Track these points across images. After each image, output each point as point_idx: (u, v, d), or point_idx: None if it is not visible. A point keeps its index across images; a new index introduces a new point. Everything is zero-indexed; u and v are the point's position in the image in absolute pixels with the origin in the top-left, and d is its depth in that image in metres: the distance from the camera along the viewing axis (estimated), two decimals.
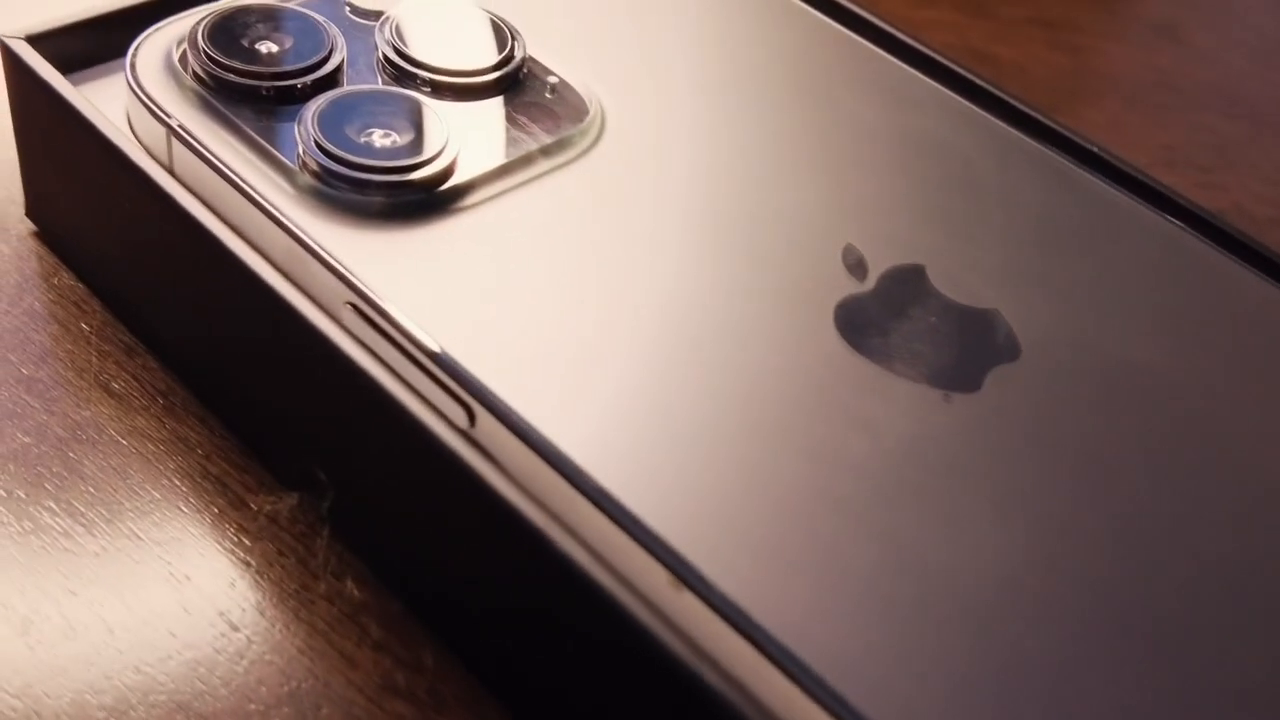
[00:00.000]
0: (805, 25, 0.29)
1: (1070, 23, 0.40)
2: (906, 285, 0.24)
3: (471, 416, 0.21)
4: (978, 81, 0.28)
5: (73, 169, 0.26)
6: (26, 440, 0.24)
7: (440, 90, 0.25)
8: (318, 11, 0.26)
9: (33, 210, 0.28)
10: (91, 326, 0.26)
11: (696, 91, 0.27)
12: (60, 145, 0.26)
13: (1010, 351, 0.23)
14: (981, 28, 0.39)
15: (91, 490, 0.23)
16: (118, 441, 0.24)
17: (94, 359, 0.25)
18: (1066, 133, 0.27)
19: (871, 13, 0.30)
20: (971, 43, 0.39)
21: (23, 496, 0.23)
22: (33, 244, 0.27)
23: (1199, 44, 0.41)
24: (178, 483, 0.24)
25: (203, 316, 0.24)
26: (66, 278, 0.27)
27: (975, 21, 0.39)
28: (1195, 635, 0.19)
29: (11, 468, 0.24)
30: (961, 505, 0.20)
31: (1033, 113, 0.28)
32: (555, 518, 0.20)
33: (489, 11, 0.27)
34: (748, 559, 0.19)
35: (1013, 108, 0.28)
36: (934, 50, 0.29)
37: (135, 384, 0.25)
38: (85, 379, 0.25)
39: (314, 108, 0.24)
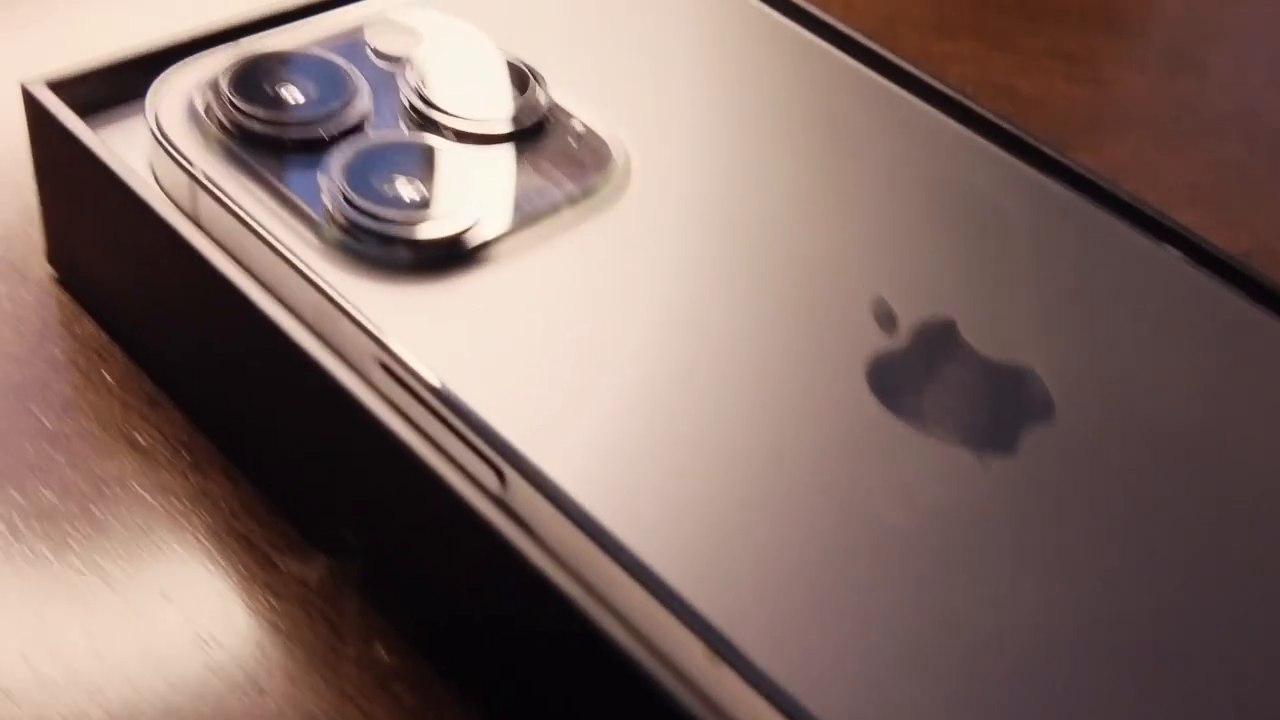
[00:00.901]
0: (829, 66, 0.29)
1: (1089, 54, 0.40)
2: (937, 339, 0.23)
3: (502, 479, 0.21)
4: (1002, 124, 0.28)
5: (95, 216, 0.26)
6: (50, 496, 0.24)
7: (465, 137, 0.25)
8: (341, 55, 0.26)
9: (54, 255, 0.27)
10: (114, 376, 0.26)
11: (719, 133, 0.27)
12: (82, 192, 0.25)
13: (1044, 410, 0.23)
14: (1001, 61, 0.39)
15: (117, 548, 0.23)
16: (143, 498, 0.24)
17: (117, 410, 0.25)
18: (1093, 177, 0.27)
19: (893, 52, 0.30)
20: (991, 76, 0.38)
21: (48, 554, 0.23)
22: (53, 290, 0.27)
23: (1218, 72, 0.41)
24: (204, 540, 0.23)
25: (227, 370, 0.24)
26: (88, 325, 0.27)
27: (995, 54, 0.39)
28: (1243, 707, 0.19)
29: (36, 525, 0.23)
30: (1000, 572, 0.20)
31: (1059, 157, 0.27)
32: (587, 585, 0.20)
33: (510, 55, 0.27)
34: (783, 629, 0.19)
35: (1039, 151, 0.28)
36: (958, 91, 0.29)
37: (160, 437, 0.25)
38: (109, 431, 0.25)
39: (339, 158, 0.24)
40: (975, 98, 0.28)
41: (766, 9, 0.31)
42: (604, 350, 0.22)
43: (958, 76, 0.38)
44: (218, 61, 0.25)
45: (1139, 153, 0.37)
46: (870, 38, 0.30)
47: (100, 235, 0.26)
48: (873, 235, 0.25)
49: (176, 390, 0.25)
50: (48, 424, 0.25)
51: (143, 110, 0.26)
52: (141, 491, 0.24)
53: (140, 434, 0.25)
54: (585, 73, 0.27)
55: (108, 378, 0.26)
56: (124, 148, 0.25)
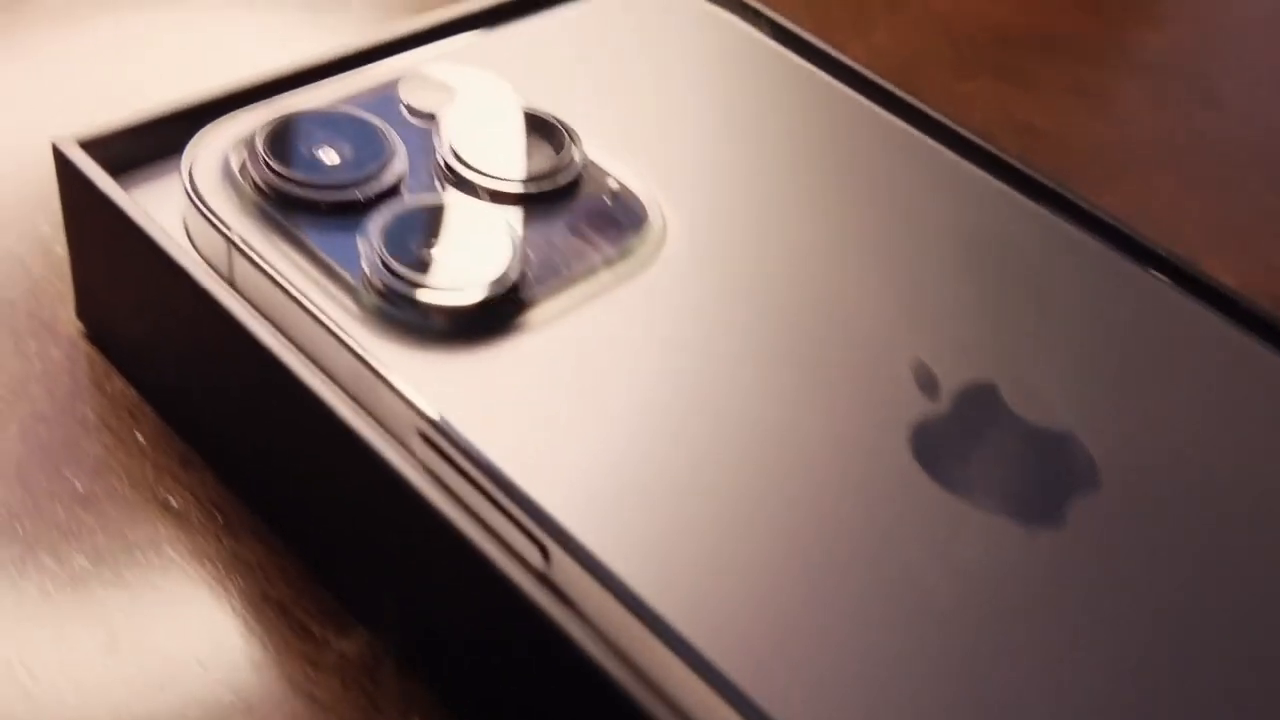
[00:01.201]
0: (859, 116, 0.29)
1: (1108, 90, 0.40)
2: (979, 404, 0.23)
3: (546, 555, 0.20)
4: (1032, 174, 0.28)
5: (126, 274, 0.25)
6: (83, 561, 0.24)
7: (501, 197, 0.25)
8: (375, 113, 0.26)
9: (83, 311, 0.27)
10: (146, 436, 0.26)
11: (752, 188, 0.27)
12: (114, 250, 0.25)
13: (1089, 478, 0.22)
14: (1023, 99, 0.39)
15: (151, 616, 0.23)
16: (177, 563, 0.24)
17: (149, 472, 0.25)
18: (1127, 230, 0.27)
19: (915, 93, 0.29)
20: (1013, 115, 0.38)
21: (81, 622, 0.23)
22: (83, 346, 0.27)
23: (1237, 106, 0.41)
24: (239, 608, 0.23)
25: (262, 434, 0.24)
26: (119, 383, 0.26)
27: (1016, 92, 0.39)
28: None
29: (69, 590, 0.23)
30: (1047, 645, 0.20)
31: (1095, 210, 0.27)
32: (633, 666, 0.19)
33: (543, 110, 0.26)
34: (829, 707, 0.19)
35: (1073, 203, 0.27)
36: (989, 142, 0.28)
37: (193, 499, 0.25)
38: (141, 494, 0.25)
39: (376, 222, 0.23)
40: (1009, 150, 0.28)
41: (794, 56, 0.30)
42: (645, 418, 0.22)
43: (980, 117, 0.38)
44: (252, 121, 0.25)
45: (1162, 192, 0.37)
46: (893, 79, 0.30)
47: (132, 293, 0.25)
48: (910, 294, 0.25)
49: (209, 451, 0.25)
50: (79, 486, 0.25)
51: (175, 167, 0.26)
52: (175, 556, 0.24)
53: (173, 496, 0.25)
54: (616, 125, 0.27)
55: (139, 438, 0.25)
56: (156, 206, 0.25)
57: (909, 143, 0.28)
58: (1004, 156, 0.28)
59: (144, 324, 0.26)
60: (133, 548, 0.24)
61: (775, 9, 0.32)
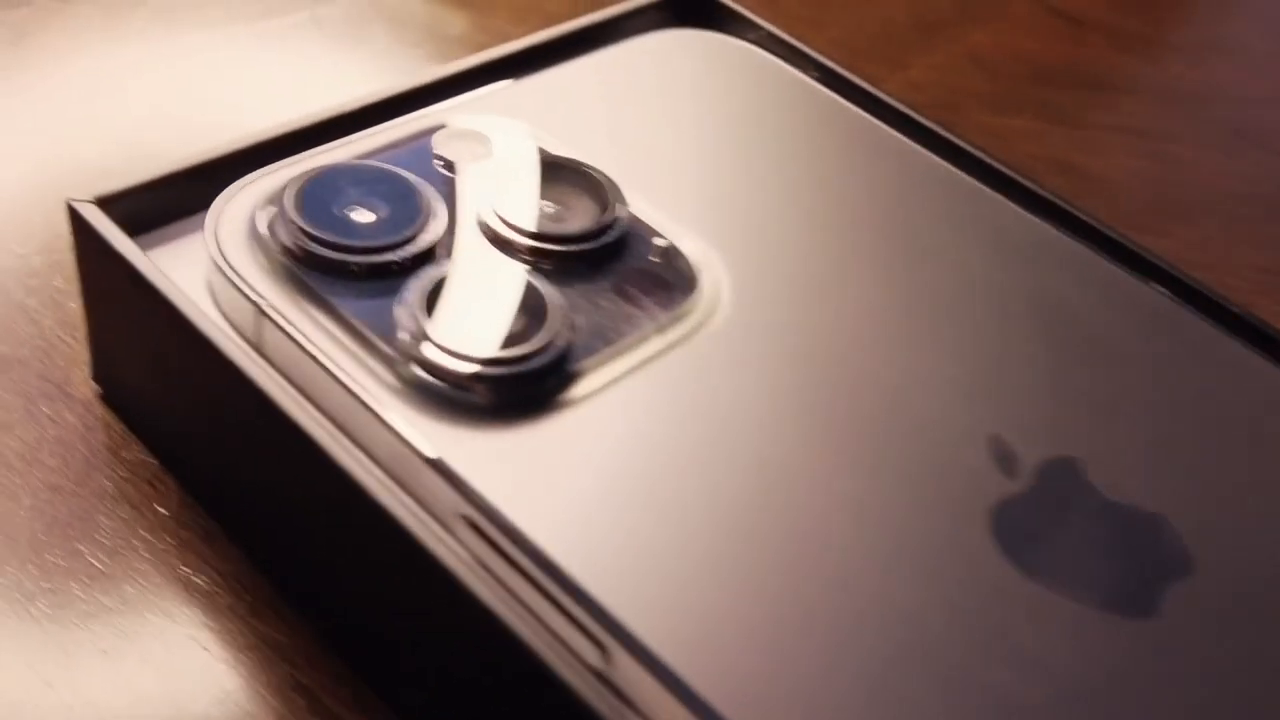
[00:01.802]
0: (911, 163, 0.28)
1: (1153, 129, 0.39)
2: (1061, 482, 0.22)
3: (604, 653, 0.19)
4: (1096, 225, 0.27)
5: (147, 339, 0.24)
6: (103, 647, 0.22)
7: (544, 257, 0.24)
8: (408, 168, 0.24)
9: (99, 373, 0.26)
10: (168, 509, 0.24)
11: (805, 242, 0.25)
12: (133, 314, 0.24)
13: (1180, 562, 0.21)
14: (1065, 136, 0.38)
15: (178, 705, 0.22)
16: (203, 648, 0.22)
17: (172, 548, 0.24)
18: (1199, 287, 0.26)
19: (955, 129, 0.28)
20: (1055, 152, 0.37)
21: (102, 715, 0.21)
22: (99, 410, 0.26)
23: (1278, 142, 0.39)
24: (269, 696, 0.22)
25: (293, 513, 0.23)
26: (137, 451, 0.25)
27: (1058, 129, 0.38)
28: None
29: (88, 681, 0.22)
30: None
31: (1165, 265, 0.26)
32: None
33: (584, 163, 0.25)
34: None
35: (1142, 258, 0.26)
36: (1048, 190, 0.27)
37: (218, 578, 0.23)
38: (163, 573, 0.23)
39: (415, 289, 0.22)
40: (1068, 198, 0.27)
41: (838, 98, 0.29)
42: (703, 499, 0.21)
43: (1023, 154, 0.36)
44: (279, 178, 0.24)
45: (1210, 235, 0.35)
46: (931, 116, 0.29)
47: (153, 359, 0.24)
48: (977, 360, 0.24)
49: (235, 526, 0.24)
50: (98, 565, 0.23)
51: (195, 225, 0.24)
52: (200, 640, 0.22)
53: (198, 575, 0.23)
54: (659, 176, 0.26)
55: (161, 511, 0.24)
56: (178, 267, 0.23)
57: (967, 193, 0.27)
58: (1064, 204, 0.27)
59: (165, 391, 0.24)
60: (155, 630, 0.22)
61: (812, 47, 0.30)
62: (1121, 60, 0.42)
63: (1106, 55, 0.42)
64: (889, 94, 0.29)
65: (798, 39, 0.30)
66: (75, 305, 0.27)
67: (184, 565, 0.23)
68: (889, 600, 0.20)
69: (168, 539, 0.24)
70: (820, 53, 0.30)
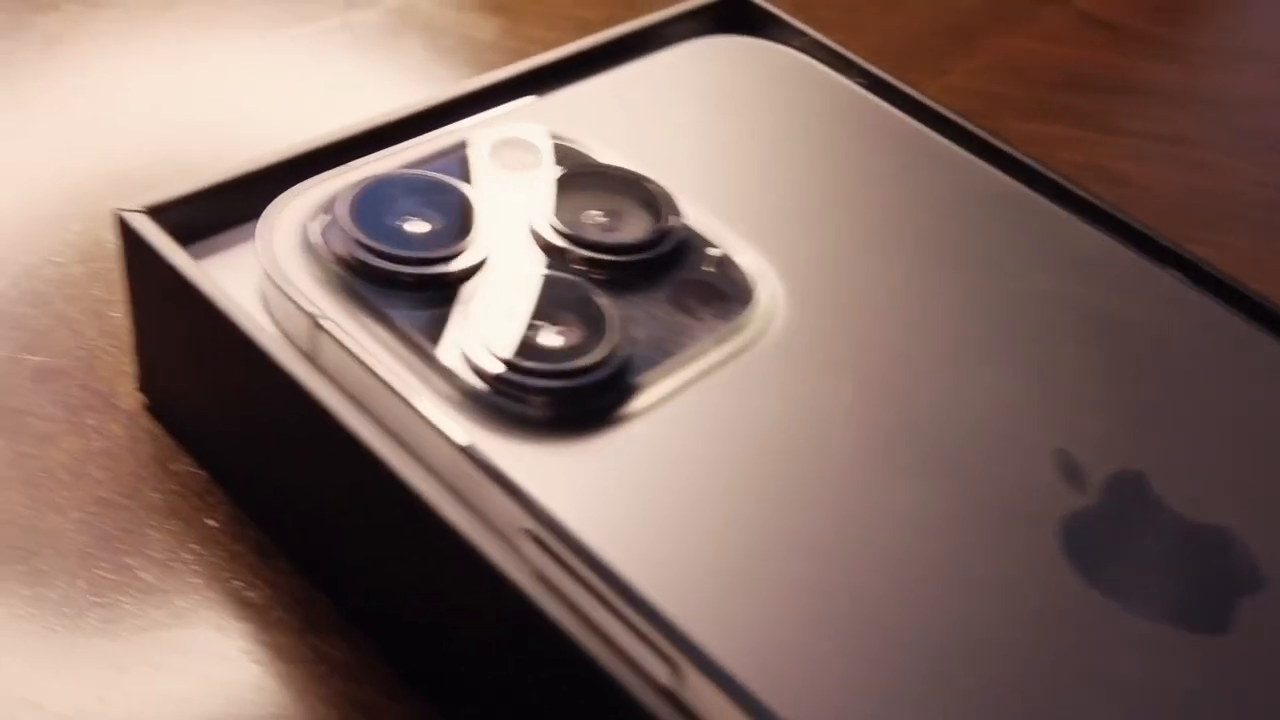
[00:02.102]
0: (967, 173, 0.27)
1: (1192, 138, 0.38)
2: (1129, 497, 0.22)
3: (676, 672, 0.19)
4: (1156, 239, 0.26)
5: (198, 350, 0.24)
6: (157, 664, 0.22)
7: (599, 267, 0.23)
8: (458, 177, 0.24)
9: (145, 384, 0.26)
10: (218, 522, 0.24)
11: (860, 248, 0.25)
12: (183, 324, 0.24)
13: (1249, 576, 0.21)
14: (1106, 144, 0.37)
15: (234, 718, 0.21)
16: (257, 663, 0.22)
17: (224, 562, 0.23)
18: (1258, 299, 0.25)
19: (1022, 151, 0.28)
20: (1098, 160, 0.37)
21: None
22: (146, 422, 0.25)
23: None
24: (325, 711, 0.21)
25: (348, 526, 0.22)
26: (185, 463, 0.25)
27: (1099, 137, 0.38)
28: None
29: (140, 697, 0.21)
30: None
31: (1219, 275, 0.26)
32: None
33: (637, 173, 0.25)
34: None
35: (1200, 269, 0.26)
36: (1105, 202, 0.27)
37: (271, 592, 0.23)
38: (215, 587, 0.23)
39: (471, 300, 0.22)
40: (1128, 211, 0.27)
41: (887, 105, 0.29)
42: (768, 512, 0.21)
43: (1061, 161, 0.36)
44: (331, 187, 0.23)
45: (1247, 243, 0.35)
46: (972, 119, 0.28)
47: (203, 370, 0.24)
48: (1040, 371, 0.23)
49: (287, 539, 0.24)
50: (149, 579, 0.23)
51: (242, 234, 0.24)
52: (256, 657, 0.22)
53: (251, 589, 0.23)
54: (711, 184, 0.26)
55: (211, 524, 0.24)
56: (228, 278, 0.23)
57: (1020, 201, 0.27)
58: (1119, 214, 0.27)
59: (216, 402, 0.24)
60: (207, 646, 0.22)
61: (834, 43, 0.30)
62: (1154, 66, 0.42)
63: (1139, 61, 0.42)
64: (933, 100, 0.29)
65: (824, 37, 0.30)
66: (117, 315, 0.27)
67: (235, 579, 0.23)
68: (956, 616, 0.20)
69: (219, 552, 0.23)
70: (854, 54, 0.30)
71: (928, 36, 0.41)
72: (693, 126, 0.27)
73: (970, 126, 0.28)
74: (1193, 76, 0.41)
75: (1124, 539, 0.21)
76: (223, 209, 0.24)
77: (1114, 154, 0.37)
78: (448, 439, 0.21)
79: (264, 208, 0.24)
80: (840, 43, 0.30)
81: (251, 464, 0.24)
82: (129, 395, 0.26)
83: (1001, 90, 0.39)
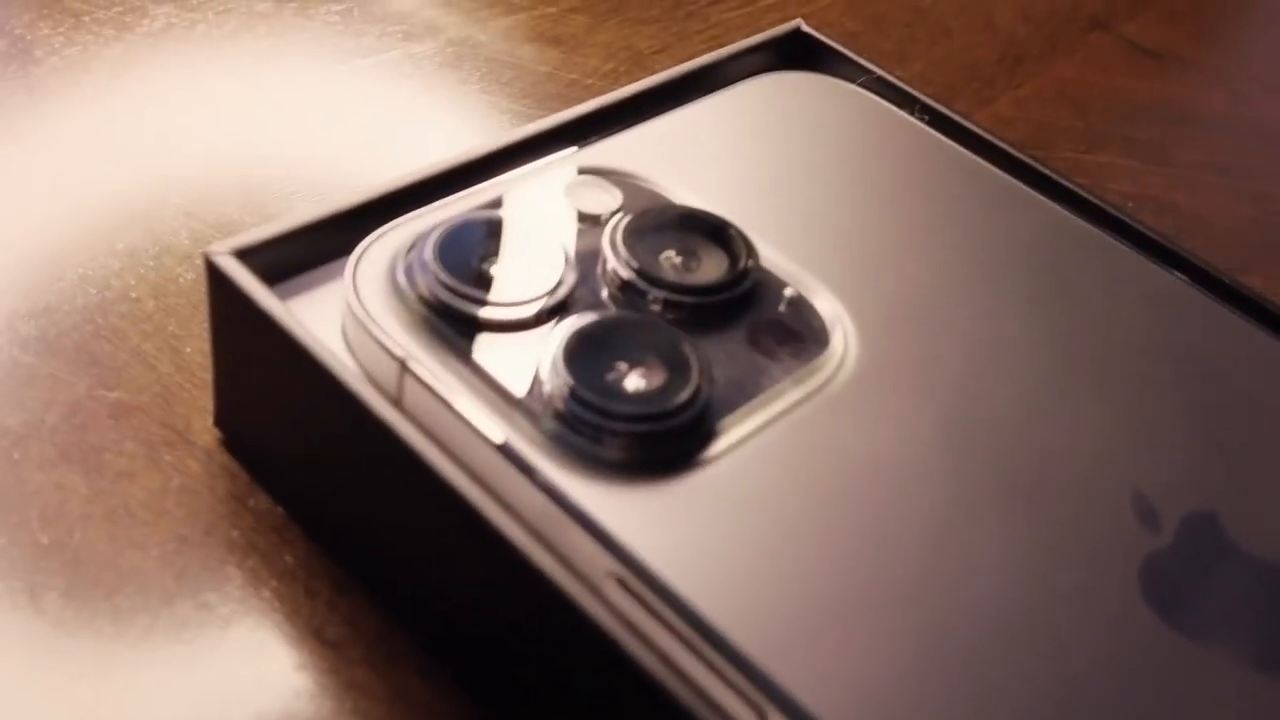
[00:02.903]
0: (1037, 212, 0.28)
1: (1246, 168, 0.38)
2: (1205, 538, 0.22)
3: (762, 717, 0.19)
4: (1221, 278, 0.27)
5: (279, 388, 0.24)
6: (241, 701, 0.22)
7: (676, 308, 0.23)
8: (539, 218, 0.24)
9: (222, 420, 0.26)
10: (296, 559, 0.24)
11: (932, 288, 0.25)
12: (267, 364, 0.24)
13: None
14: (1157, 174, 0.37)
15: None
16: (339, 704, 0.22)
17: (303, 599, 0.24)
18: None
19: (1046, 163, 0.28)
20: (1149, 191, 0.37)
21: None
22: (222, 458, 0.25)
23: None
24: None
25: (429, 564, 0.22)
26: (263, 499, 0.25)
27: (1150, 168, 0.38)
28: None
29: None
30: None
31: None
32: None
33: (712, 214, 0.25)
34: None
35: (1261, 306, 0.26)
36: (1174, 242, 0.27)
37: (350, 629, 0.23)
38: (296, 625, 0.23)
39: (557, 343, 0.22)
40: (1192, 251, 0.27)
41: (951, 143, 0.29)
42: (852, 553, 0.21)
43: (1117, 193, 0.36)
44: (413, 230, 0.24)
45: None
46: (1024, 150, 0.29)
47: (285, 408, 0.24)
48: (1115, 413, 0.24)
49: (365, 576, 0.24)
50: (229, 616, 0.23)
51: (325, 274, 0.25)
52: (333, 694, 0.22)
53: (330, 626, 0.23)
54: (782, 223, 0.26)
55: (289, 560, 0.24)
56: (312, 316, 0.23)
57: (1088, 238, 0.27)
58: (1193, 258, 0.27)
59: (298, 440, 0.24)
60: (287, 683, 0.22)
61: (896, 78, 0.30)
62: (1201, 94, 0.42)
63: (1186, 89, 0.42)
64: (994, 135, 0.29)
65: (886, 73, 0.30)
66: (191, 349, 0.27)
67: (314, 615, 0.23)
68: (1041, 657, 0.20)
69: (297, 589, 0.24)
70: (903, 83, 0.30)
71: (975, 64, 0.41)
72: (762, 164, 0.28)
73: (1033, 162, 0.29)
74: (1239, 105, 0.42)
75: (1203, 581, 0.21)
76: (306, 249, 0.24)
77: (1167, 185, 0.37)
78: (535, 482, 0.21)
79: (345, 247, 0.24)
80: (890, 70, 0.31)
81: (331, 502, 0.24)
82: (205, 431, 0.26)
83: (1050, 119, 0.39)
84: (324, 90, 0.35)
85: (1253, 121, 0.41)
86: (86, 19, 0.36)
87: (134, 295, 0.28)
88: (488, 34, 0.38)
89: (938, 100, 0.30)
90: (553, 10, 0.40)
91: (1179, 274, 0.27)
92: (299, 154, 0.33)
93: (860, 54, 0.31)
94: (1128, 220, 0.27)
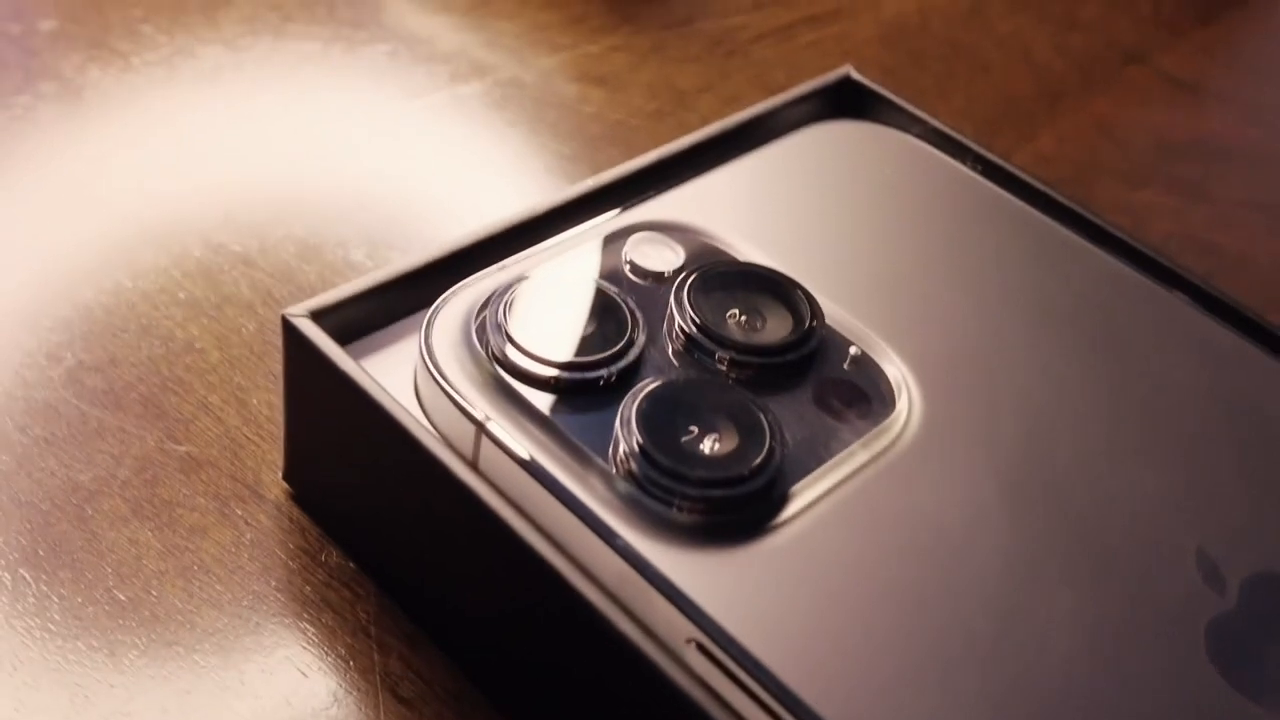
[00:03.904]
0: (1093, 264, 0.28)
1: None
2: (1270, 597, 0.22)
3: None
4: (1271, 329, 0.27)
5: (351, 445, 0.24)
6: None
7: (744, 369, 0.24)
8: (605, 277, 0.25)
9: (291, 474, 0.26)
10: (369, 614, 0.24)
11: (994, 344, 0.26)
12: (340, 422, 0.24)
13: None
14: (1199, 213, 0.38)
15: None
16: None
17: (376, 655, 0.24)
18: None
19: (1087, 204, 0.28)
20: (1191, 230, 0.37)
21: None
22: (292, 512, 0.26)
23: None
24: None
25: (504, 623, 0.23)
26: (335, 554, 0.25)
27: (1192, 206, 0.38)
28: None
29: None
30: None
31: None
32: None
33: (775, 271, 0.25)
34: None
35: None
36: (1229, 296, 0.27)
37: (424, 686, 0.23)
38: (370, 681, 0.23)
39: (632, 406, 0.22)
40: (1248, 306, 0.27)
41: (1007, 194, 0.29)
42: (924, 616, 0.21)
43: (1161, 232, 0.37)
44: (486, 288, 0.24)
45: None
46: (1064, 188, 0.29)
47: (356, 465, 0.24)
48: (1176, 469, 0.24)
49: (440, 633, 0.24)
50: (305, 672, 0.23)
51: (397, 332, 0.25)
52: None
53: (403, 683, 0.24)
54: (841, 279, 0.26)
55: (362, 615, 0.24)
56: (385, 376, 0.23)
57: (1144, 290, 0.27)
58: (1251, 314, 0.27)
59: (369, 497, 0.24)
60: None
61: (939, 118, 0.31)
62: (1239, 129, 0.42)
63: (1223, 123, 0.42)
64: (1015, 164, 0.30)
65: (925, 110, 0.31)
66: (257, 401, 0.28)
67: (389, 672, 0.24)
68: (1106, 716, 0.20)
69: (372, 646, 0.24)
70: (947, 123, 0.30)
71: (1014, 100, 0.41)
72: (819, 216, 0.28)
73: (1084, 211, 0.29)
74: (1276, 139, 0.42)
75: (1269, 641, 0.21)
76: (377, 307, 0.25)
77: (1211, 224, 0.37)
78: (613, 545, 0.21)
79: (413, 304, 0.24)
80: (931, 106, 0.31)
81: (405, 559, 0.24)
82: (274, 485, 0.26)
83: (1091, 156, 0.39)
84: (373, 132, 0.35)
85: None
86: (135, 60, 0.36)
87: (198, 346, 0.29)
88: (532, 74, 0.38)
89: (978, 136, 0.30)
90: (594, 49, 0.40)
91: (1227, 324, 0.27)
92: (351, 198, 0.33)
93: (899, 90, 0.31)
94: (1173, 268, 0.28)
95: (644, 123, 0.37)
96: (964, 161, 0.30)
